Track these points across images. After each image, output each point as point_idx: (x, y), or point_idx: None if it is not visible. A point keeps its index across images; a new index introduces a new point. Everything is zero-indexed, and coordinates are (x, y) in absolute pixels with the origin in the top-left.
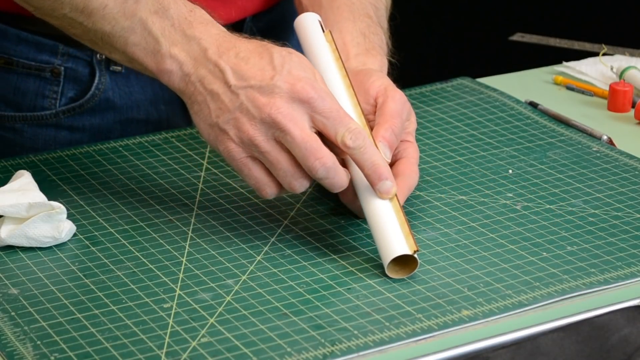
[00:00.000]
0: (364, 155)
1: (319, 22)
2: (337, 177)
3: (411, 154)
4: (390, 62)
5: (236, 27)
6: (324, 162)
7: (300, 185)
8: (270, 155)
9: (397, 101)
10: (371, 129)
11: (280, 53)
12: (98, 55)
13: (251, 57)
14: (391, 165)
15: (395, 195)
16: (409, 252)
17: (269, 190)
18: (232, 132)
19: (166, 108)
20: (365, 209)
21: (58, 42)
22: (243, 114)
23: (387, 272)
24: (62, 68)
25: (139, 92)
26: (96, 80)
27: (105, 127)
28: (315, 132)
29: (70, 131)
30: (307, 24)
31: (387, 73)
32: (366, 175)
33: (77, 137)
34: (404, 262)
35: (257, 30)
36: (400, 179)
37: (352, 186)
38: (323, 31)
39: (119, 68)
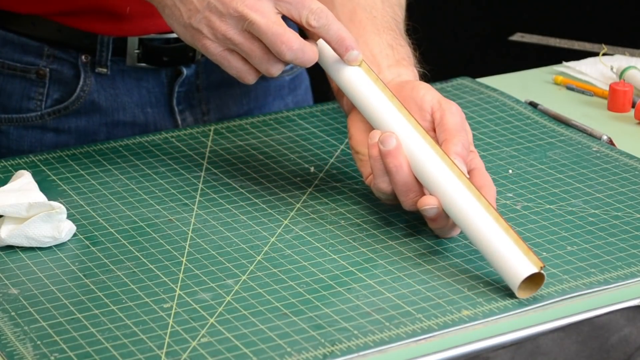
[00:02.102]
0: (329, 32)
1: None
2: (305, 56)
3: (479, 164)
4: (419, 73)
5: None
6: (290, 45)
7: (275, 69)
8: (243, 46)
9: (455, 114)
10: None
11: None
12: (83, 57)
13: None
14: None
15: (499, 215)
16: (535, 270)
17: (250, 77)
18: (205, 30)
19: (152, 111)
20: (472, 232)
21: (44, 43)
22: (212, 12)
23: (517, 294)
24: (48, 70)
25: (125, 94)
26: (81, 82)
27: (91, 130)
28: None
29: (56, 133)
30: (327, 47)
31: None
32: (334, 49)
33: (63, 139)
34: (531, 280)
35: None
36: (483, 190)
37: (444, 214)
38: None
39: (105, 70)
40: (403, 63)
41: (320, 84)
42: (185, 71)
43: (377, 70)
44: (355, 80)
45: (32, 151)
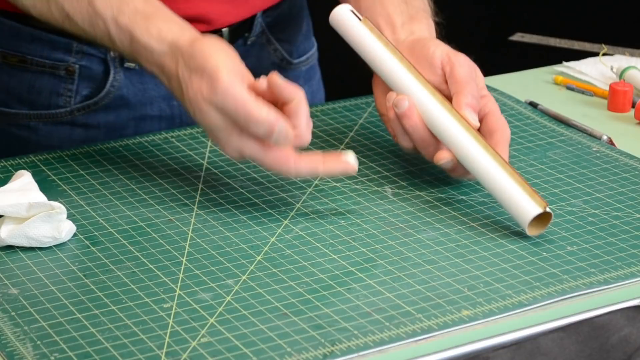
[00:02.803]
0: (285, 141)
1: (352, 12)
2: (300, 168)
3: (492, 107)
4: (436, 23)
5: (247, 23)
6: (288, 168)
7: (289, 172)
8: (254, 161)
9: (463, 65)
10: (447, 98)
11: (183, 73)
12: (112, 53)
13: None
14: (480, 121)
15: (506, 162)
16: (540, 210)
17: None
18: (218, 147)
19: (179, 104)
20: (483, 180)
21: (72, 39)
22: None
23: (528, 232)
24: (77, 66)
25: (153, 88)
26: (110, 78)
27: (119, 124)
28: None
29: (85, 128)
30: (342, 18)
31: (437, 35)
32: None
33: (92, 135)
34: (539, 219)
35: (266, 25)
36: (496, 134)
37: (460, 165)
38: (359, 19)
39: (133, 65)
40: (417, 17)
41: (330, 76)
42: None
43: (391, 29)
44: (368, 45)
45: (61, 147)
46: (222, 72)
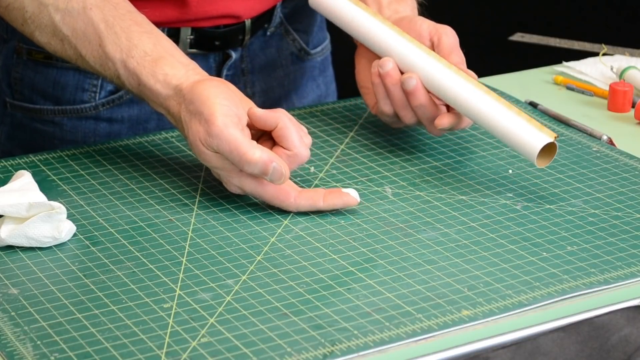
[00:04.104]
0: (280, 178)
1: None
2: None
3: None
4: (419, 4)
5: (267, 14)
6: (288, 204)
7: (289, 207)
8: (255, 198)
9: (450, 35)
10: None
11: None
12: None
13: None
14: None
15: (510, 104)
16: (551, 139)
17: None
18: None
19: None
20: (489, 118)
21: None
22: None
23: (537, 164)
24: None
25: None
26: None
27: (142, 118)
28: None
29: (109, 123)
30: None
31: (419, 13)
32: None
33: (115, 129)
34: (546, 150)
35: (284, 16)
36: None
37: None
38: None
39: None
40: None
41: (342, 70)
42: (233, 55)
43: (377, 7)
44: (354, 14)
45: (86, 141)
46: (216, 116)
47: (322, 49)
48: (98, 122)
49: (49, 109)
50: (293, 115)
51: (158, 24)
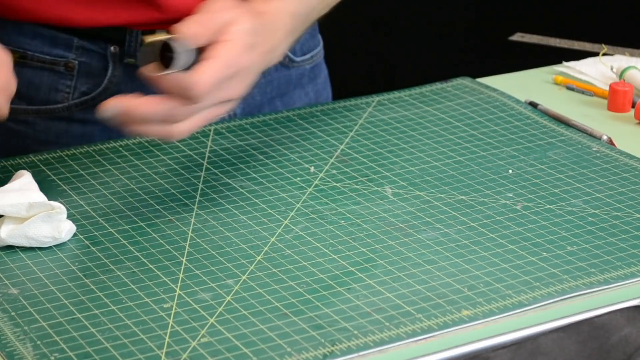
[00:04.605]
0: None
1: None
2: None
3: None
4: None
5: None
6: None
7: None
8: None
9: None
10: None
11: None
12: (112, 48)
13: None
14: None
15: None
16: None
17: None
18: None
19: None
20: None
21: (73, 35)
22: None
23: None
24: (76, 62)
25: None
26: (109, 74)
27: None
28: None
29: (82, 124)
30: None
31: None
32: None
33: (89, 130)
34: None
35: None
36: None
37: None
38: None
39: (133, 60)
40: None
41: (337, 74)
42: None
43: None
44: None
45: (58, 142)
46: None
47: (312, 56)
48: (71, 123)
49: (22, 109)
50: (293, 115)
51: (133, 25)
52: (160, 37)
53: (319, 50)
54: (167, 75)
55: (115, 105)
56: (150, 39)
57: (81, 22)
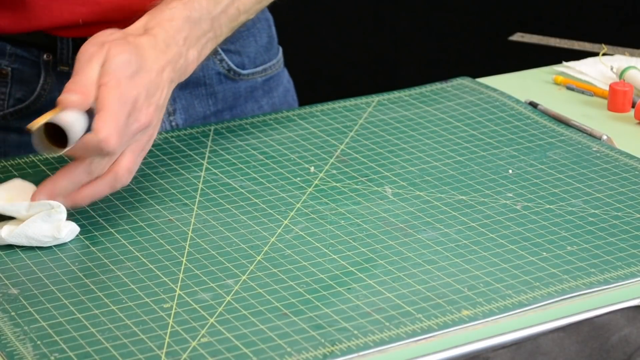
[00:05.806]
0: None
1: None
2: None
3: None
4: None
5: None
6: None
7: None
8: None
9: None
10: None
11: None
12: (45, 56)
13: None
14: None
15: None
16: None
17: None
18: None
19: None
20: None
21: (6, 42)
22: None
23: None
24: (9, 69)
25: None
26: (41, 81)
27: None
28: None
29: (19, 133)
30: None
31: None
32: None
33: (25, 139)
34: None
35: None
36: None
37: None
38: None
39: (67, 69)
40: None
41: (337, 75)
42: None
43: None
44: None
45: None
46: None
47: (265, 69)
48: (7, 132)
49: None
50: (293, 115)
51: (70, 27)
52: (44, 119)
53: (275, 62)
54: (72, 147)
55: (42, 195)
56: (33, 125)
57: None
